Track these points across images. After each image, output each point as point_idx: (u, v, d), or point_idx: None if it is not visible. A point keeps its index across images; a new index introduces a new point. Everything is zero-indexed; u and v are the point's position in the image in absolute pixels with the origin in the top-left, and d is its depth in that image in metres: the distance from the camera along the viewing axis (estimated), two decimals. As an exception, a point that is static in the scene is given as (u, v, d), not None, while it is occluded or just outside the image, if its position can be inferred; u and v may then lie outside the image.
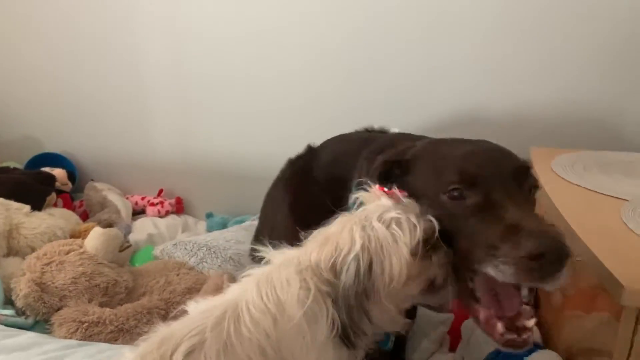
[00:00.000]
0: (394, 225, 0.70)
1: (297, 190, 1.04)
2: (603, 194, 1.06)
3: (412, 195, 0.78)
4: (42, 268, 1.15)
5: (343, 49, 1.52)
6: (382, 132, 1.17)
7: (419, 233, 0.70)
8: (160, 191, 1.79)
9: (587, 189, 1.09)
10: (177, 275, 1.24)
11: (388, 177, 0.85)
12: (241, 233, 1.45)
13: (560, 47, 1.41)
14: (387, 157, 0.86)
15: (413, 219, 0.71)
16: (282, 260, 0.73)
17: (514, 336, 0.72)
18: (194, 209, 1.81)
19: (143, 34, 1.64)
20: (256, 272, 0.73)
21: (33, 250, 1.27)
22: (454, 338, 1.19)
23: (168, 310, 1.14)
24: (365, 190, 0.78)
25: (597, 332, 0.90)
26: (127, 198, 1.77)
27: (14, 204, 1.37)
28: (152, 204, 1.74)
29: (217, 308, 0.68)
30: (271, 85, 1.60)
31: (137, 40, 1.65)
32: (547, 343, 1.10)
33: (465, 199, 0.74)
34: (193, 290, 1.19)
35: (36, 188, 1.50)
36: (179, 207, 1.78)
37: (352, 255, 0.69)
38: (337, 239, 0.71)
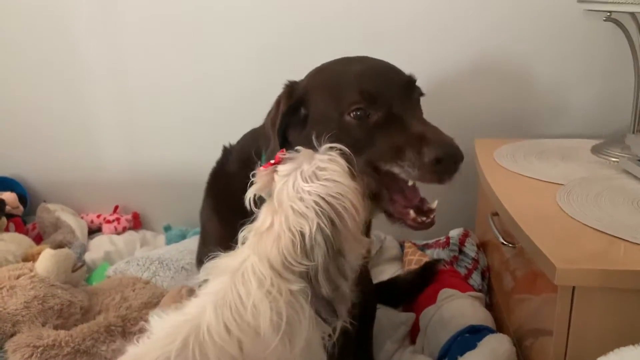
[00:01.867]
0: (321, 175, 0.70)
1: (217, 191, 1.04)
2: (540, 179, 1.11)
3: (316, 124, 0.84)
4: (-8, 295, 1.13)
5: (288, 54, 1.54)
6: None
7: (343, 164, 0.71)
8: (116, 207, 1.77)
9: (526, 176, 1.14)
10: (133, 290, 1.23)
11: (288, 126, 0.88)
12: (196, 242, 1.44)
13: (503, 38, 1.46)
14: (286, 107, 0.88)
15: (327, 157, 0.72)
16: (230, 273, 0.70)
17: (424, 218, 0.82)
18: (152, 223, 1.79)
19: (84, 51, 1.62)
20: (210, 291, 0.70)
21: (-17, 277, 1.24)
22: (414, 332, 1.22)
23: (125, 327, 1.12)
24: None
25: (539, 312, 0.94)
26: (82, 217, 1.74)
27: (-38, 231, 1.33)
28: (108, 221, 1.71)
29: (179, 331, 0.66)
30: (218, 91, 1.60)
31: (79, 58, 1.63)
32: (500, 327, 1.14)
33: (369, 117, 0.81)
34: (150, 305, 1.18)
35: (-16, 214, 1.46)
36: (137, 222, 1.76)
37: (314, 227, 0.67)
38: (283, 226, 0.69)
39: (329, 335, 0.73)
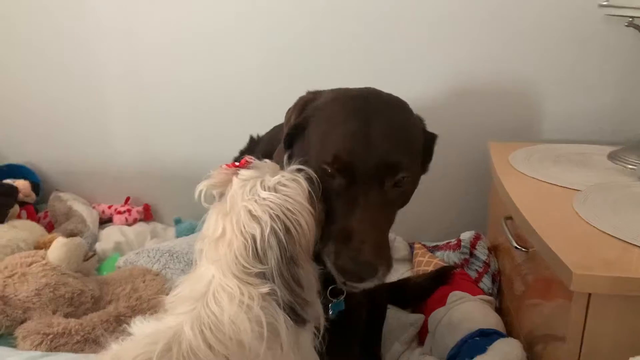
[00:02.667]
0: (281, 189, 0.70)
1: None
2: (557, 185, 1.10)
3: (302, 149, 0.85)
4: (4, 281, 1.13)
5: (299, 50, 1.54)
6: None
7: (305, 187, 0.72)
8: (127, 199, 1.77)
9: (542, 180, 1.13)
10: (144, 282, 1.23)
11: (295, 135, 0.88)
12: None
13: (517, 43, 1.45)
14: (293, 123, 0.88)
15: (291, 177, 0.72)
16: (199, 298, 0.68)
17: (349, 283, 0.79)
18: (163, 215, 1.80)
19: (101, 48, 1.63)
20: (182, 312, 0.68)
21: (-5, 263, 1.25)
22: (423, 333, 1.21)
23: (135, 318, 1.13)
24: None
25: (552, 318, 0.93)
26: (93, 207, 1.75)
27: (-25, 218, 1.34)
28: (119, 212, 1.72)
29: (162, 335, 0.65)
30: (231, 87, 1.60)
31: (96, 54, 1.64)
32: (510, 331, 1.13)
33: (334, 179, 0.80)
34: (159, 296, 1.18)
35: (-3, 200, 1.47)
36: (147, 214, 1.77)
37: (267, 229, 0.67)
38: (235, 228, 0.68)
39: (315, 335, 0.73)
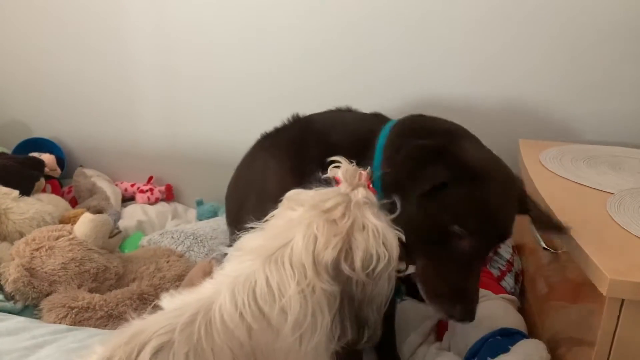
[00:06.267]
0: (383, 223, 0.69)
1: (297, 155, 1.00)
2: (589, 187, 1.08)
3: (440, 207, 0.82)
4: (32, 253, 1.15)
5: (329, 42, 1.53)
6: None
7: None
8: (150, 178, 1.79)
9: (574, 182, 1.11)
10: (167, 262, 1.24)
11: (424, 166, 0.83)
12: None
13: (552, 42, 1.42)
14: (456, 157, 0.84)
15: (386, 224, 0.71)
16: (262, 257, 0.66)
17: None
18: (184, 196, 1.81)
19: (133, 27, 1.64)
20: (231, 274, 0.67)
21: (21, 235, 1.26)
22: (441, 328, 1.21)
23: (157, 297, 1.13)
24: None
25: (580, 322, 0.91)
26: (116, 185, 1.76)
27: (2, 189, 1.35)
28: (142, 191, 1.73)
29: (189, 307, 0.64)
30: (259, 75, 1.60)
31: (128, 33, 1.65)
32: (532, 332, 1.12)
33: (460, 239, 0.82)
34: (183, 278, 1.19)
35: (25, 173, 1.49)
36: (169, 195, 1.78)
37: (390, 268, 0.68)
38: (344, 232, 0.67)
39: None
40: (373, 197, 0.72)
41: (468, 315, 0.84)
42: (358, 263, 0.66)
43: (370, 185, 0.74)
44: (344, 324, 0.67)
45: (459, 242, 0.82)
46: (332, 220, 0.67)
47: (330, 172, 0.74)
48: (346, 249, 0.66)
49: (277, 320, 0.64)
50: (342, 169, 0.73)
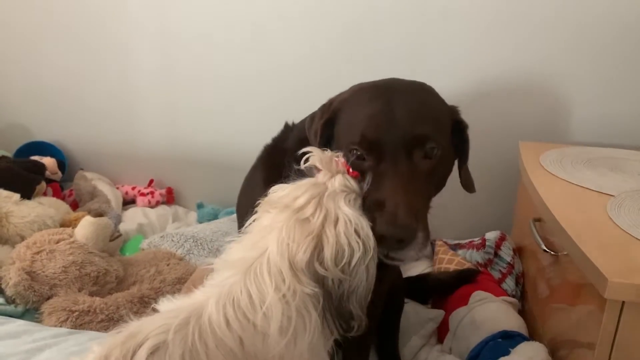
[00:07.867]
0: (356, 212, 0.70)
1: (272, 164, 1.03)
2: (589, 189, 1.08)
3: (337, 143, 0.87)
4: (32, 257, 1.15)
5: (329, 44, 1.53)
6: None
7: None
8: (151, 181, 1.79)
9: (575, 184, 1.11)
10: (168, 265, 1.24)
11: (330, 137, 0.89)
12: (229, 225, 1.45)
13: (552, 45, 1.43)
14: (323, 120, 0.90)
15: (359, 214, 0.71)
16: (243, 269, 0.67)
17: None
18: (185, 199, 1.81)
19: (133, 30, 1.65)
20: (216, 283, 0.68)
21: (22, 238, 1.26)
22: (442, 331, 1.21)
23: (158, 300, 1.14)
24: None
25: (581, 324, 0.91)
26: (117, 188, 1.77)
27: (3, 192, 1.36)
28: (143, 194, 1.74)
29: (183, 310, 0.65)
30: (259, 79, 1.61)
31: (128, 36, 1.66)
32: (532, 334, 1.12)
33: (364, 160, 0.82)
34: (183, 281, 1.19)
35: (26, 176, 1.49)
36: (170, 198, 1.78)
37: (368, 258, 0.67)
38: (333, 233, 0.67)
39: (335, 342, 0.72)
40: (352, 183, 0.73)
41: (390, 225, 0.73)
42: (329, 260, 0.66)
43: (350, 170, 0.76)
44: (327, 319, 0.68)
45: (364, 164, 0.81)
46: (304, 220, 0.68)
47: (311, 161, 0.75)
48: (319, 248, 0.67)
49: (264, 328, 0.64)
50: (316, 157, 0.75)
